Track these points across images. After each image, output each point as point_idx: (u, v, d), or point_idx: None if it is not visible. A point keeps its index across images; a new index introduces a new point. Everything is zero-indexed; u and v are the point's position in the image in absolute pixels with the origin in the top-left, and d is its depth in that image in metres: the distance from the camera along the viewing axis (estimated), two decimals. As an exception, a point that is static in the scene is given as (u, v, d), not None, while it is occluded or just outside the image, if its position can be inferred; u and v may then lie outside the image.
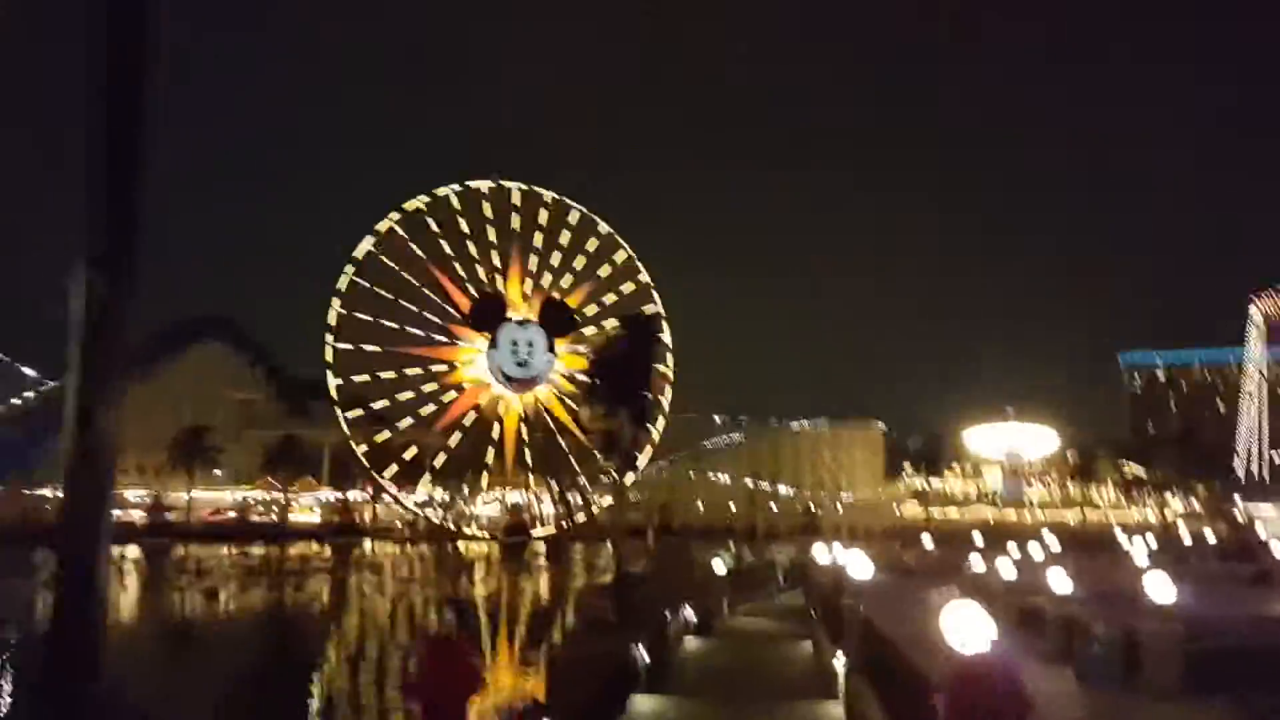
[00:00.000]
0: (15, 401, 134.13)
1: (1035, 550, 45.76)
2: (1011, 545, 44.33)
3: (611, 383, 38.63)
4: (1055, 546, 52.22)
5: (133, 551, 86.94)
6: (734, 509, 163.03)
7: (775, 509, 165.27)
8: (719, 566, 42.05)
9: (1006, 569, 27.69)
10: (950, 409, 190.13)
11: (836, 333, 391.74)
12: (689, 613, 29.85)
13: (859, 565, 18.60)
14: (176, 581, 67.62)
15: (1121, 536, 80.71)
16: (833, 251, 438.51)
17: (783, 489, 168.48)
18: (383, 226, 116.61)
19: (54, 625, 5.11)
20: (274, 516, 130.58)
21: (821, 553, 33.86)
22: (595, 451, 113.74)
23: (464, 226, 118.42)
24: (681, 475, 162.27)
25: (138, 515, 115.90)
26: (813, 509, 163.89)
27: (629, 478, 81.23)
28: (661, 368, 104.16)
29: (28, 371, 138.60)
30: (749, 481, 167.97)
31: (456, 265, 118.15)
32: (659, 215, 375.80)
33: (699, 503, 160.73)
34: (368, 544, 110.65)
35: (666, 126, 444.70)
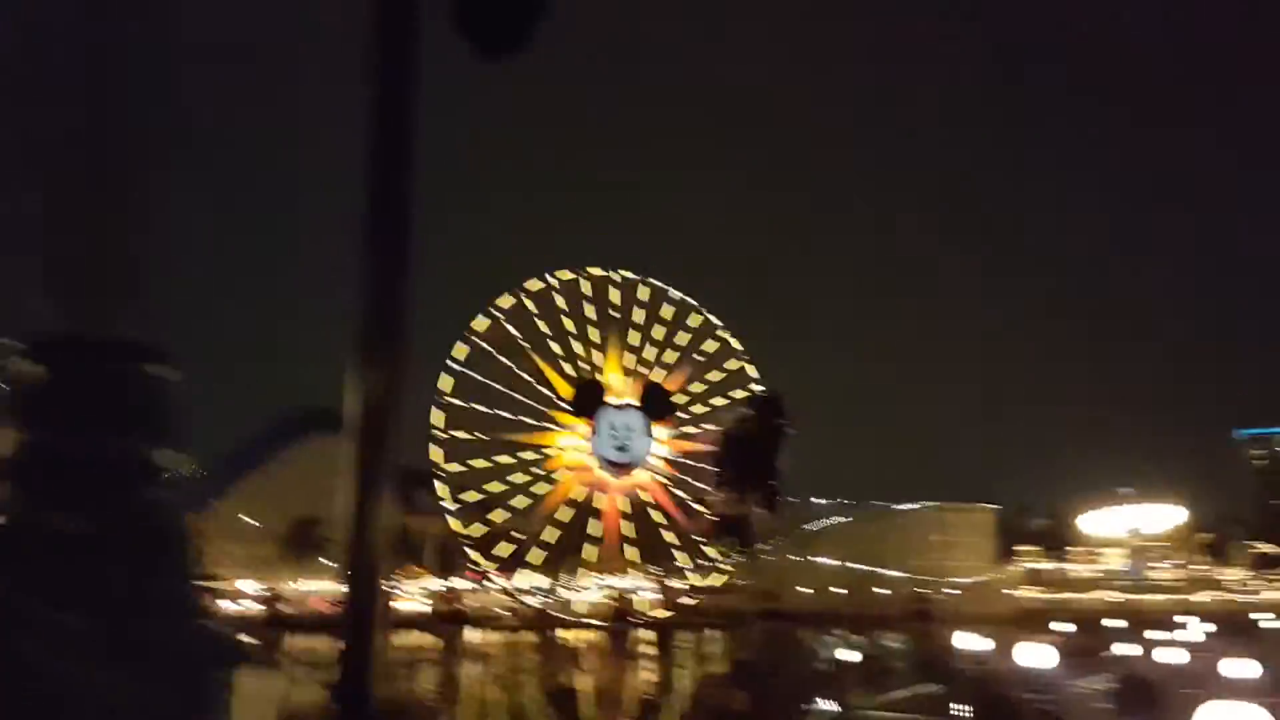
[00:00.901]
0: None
1: (1184, 634, 42.99)
2: (1156, 632, 41.79)
3: (741, 466, 37.99)
4: (1204, 630, 49.07)
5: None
6: (838, 593, 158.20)
7: (882, 593, 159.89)
8: (846, 654, 40.66)
9: (1170, 655, 25.99)
10: (1065, 490, 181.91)
11: (944, 414, 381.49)
12: (827, 705, 28.69)
13: (1037, 654, 17.14)
14: (292, 671, 68.09)
15: (1265, 618, 75.92)
16: (937, 327, 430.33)
17: (888, 573, 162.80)
18: (480, 325, 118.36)
19: (338, 690, 5.36)
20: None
21: (966, 640, 32.26)
22: (695, 537, 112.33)
23: (562, 314, 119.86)
24: (782, 559, 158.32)
25: (255, 607, 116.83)
26: (923, 593, 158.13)
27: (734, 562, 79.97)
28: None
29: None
30: (853, 565, 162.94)
31: (555, 348, 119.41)
32: (759, 293, 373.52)
33: (801, 588, 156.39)
34: (473, 632, 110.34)
35: (758, 199, 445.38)
